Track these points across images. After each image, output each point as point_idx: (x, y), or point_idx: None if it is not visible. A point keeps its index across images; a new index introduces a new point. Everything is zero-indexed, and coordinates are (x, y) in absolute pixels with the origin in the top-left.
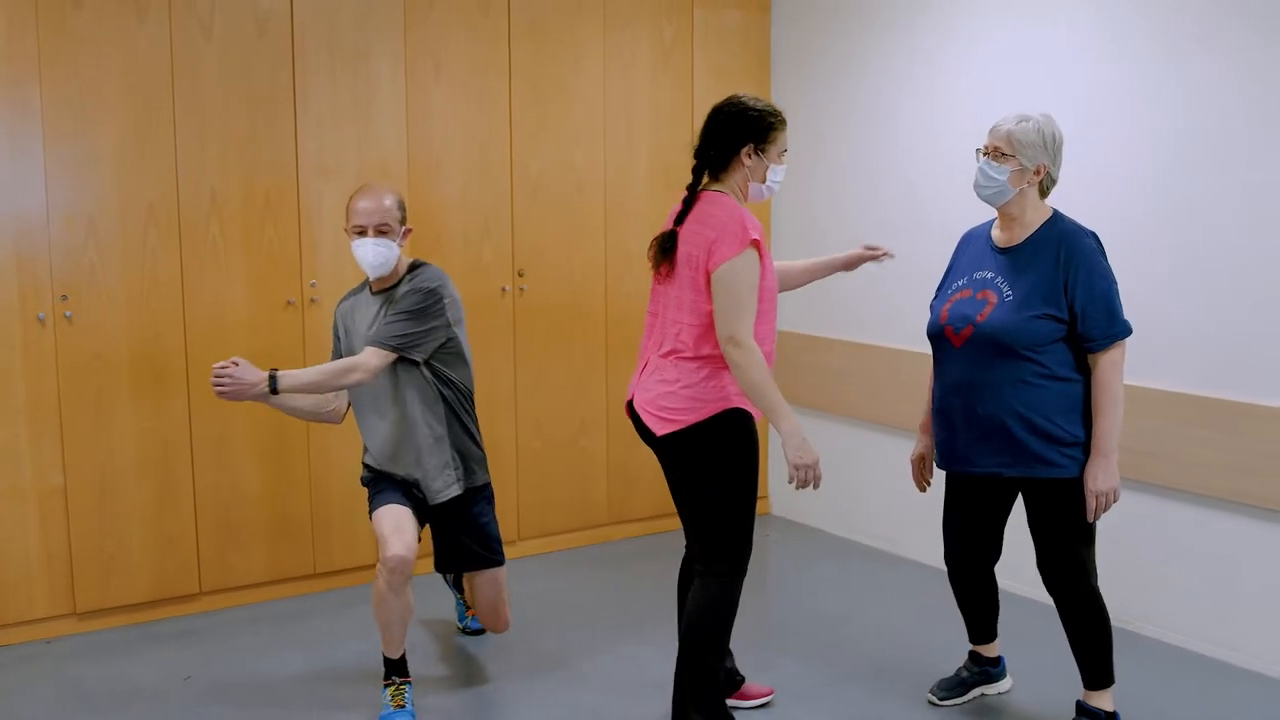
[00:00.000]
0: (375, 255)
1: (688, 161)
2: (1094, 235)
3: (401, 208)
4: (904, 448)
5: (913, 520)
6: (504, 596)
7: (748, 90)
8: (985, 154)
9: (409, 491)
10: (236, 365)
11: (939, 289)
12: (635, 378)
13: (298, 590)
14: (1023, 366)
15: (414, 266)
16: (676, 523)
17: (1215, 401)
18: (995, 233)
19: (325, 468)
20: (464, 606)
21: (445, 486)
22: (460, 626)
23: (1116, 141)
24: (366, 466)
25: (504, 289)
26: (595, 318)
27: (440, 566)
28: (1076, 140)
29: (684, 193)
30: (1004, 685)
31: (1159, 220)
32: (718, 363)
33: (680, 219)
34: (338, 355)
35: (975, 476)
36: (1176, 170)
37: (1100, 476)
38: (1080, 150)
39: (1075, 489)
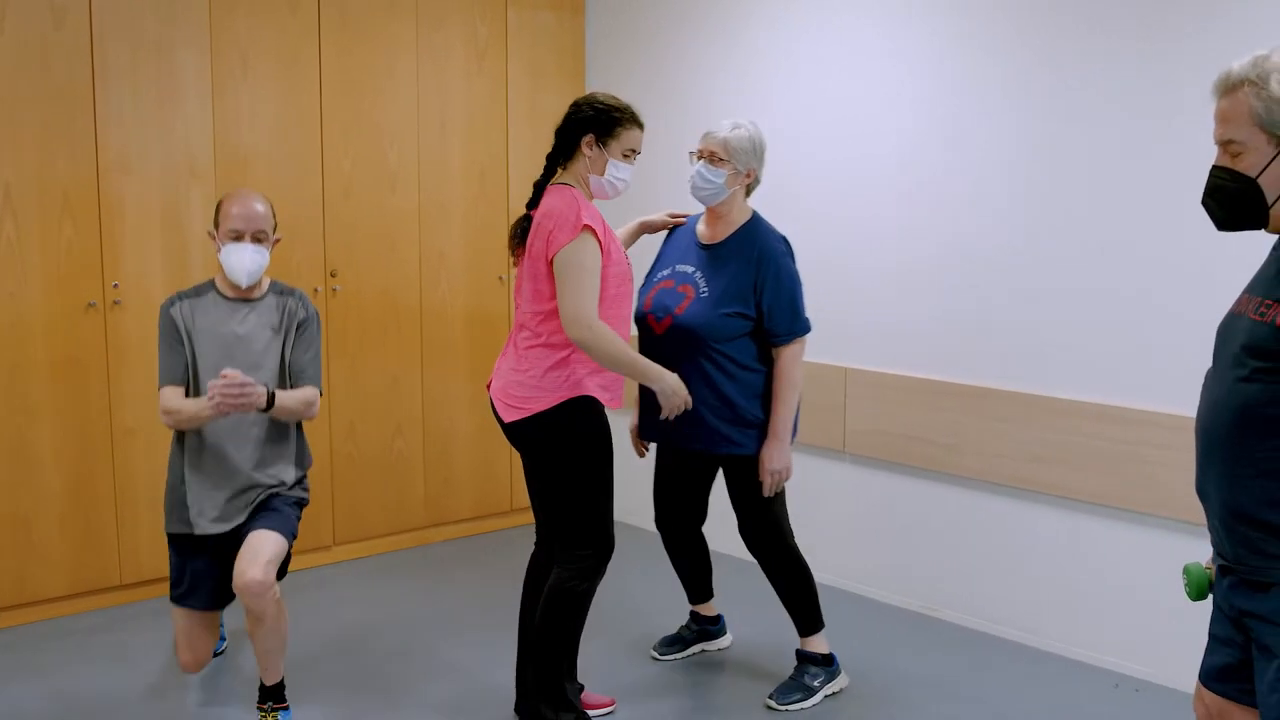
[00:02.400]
0: (254, 263)
1: (502, 161)
2: (784, 240)
3: (274, 214)
4: None
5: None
6: (271, 550)
7: (562, 89)
8: (701, 158)
9: (220, 564)
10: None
11: (647, 275)
12: (497, 362)
13: (103, 603)
14: (713, 357)
15: (278, 285)
16: (495, 524)
17: (1013, 394)
18: (701, 228)
19: (130, 476)
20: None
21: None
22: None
23: (931, 138)
24: (181, 537)
25: (316, 290)
26: (410, 318)
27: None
28: (889, 136)
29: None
30: (724, 641)
31: (974, 219)
32: (564, 349)
33: (530, 208)
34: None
35: (675, 449)
36: (983, 174)
37: (775, 456)
38: (894, 146)
39: (752, 464)
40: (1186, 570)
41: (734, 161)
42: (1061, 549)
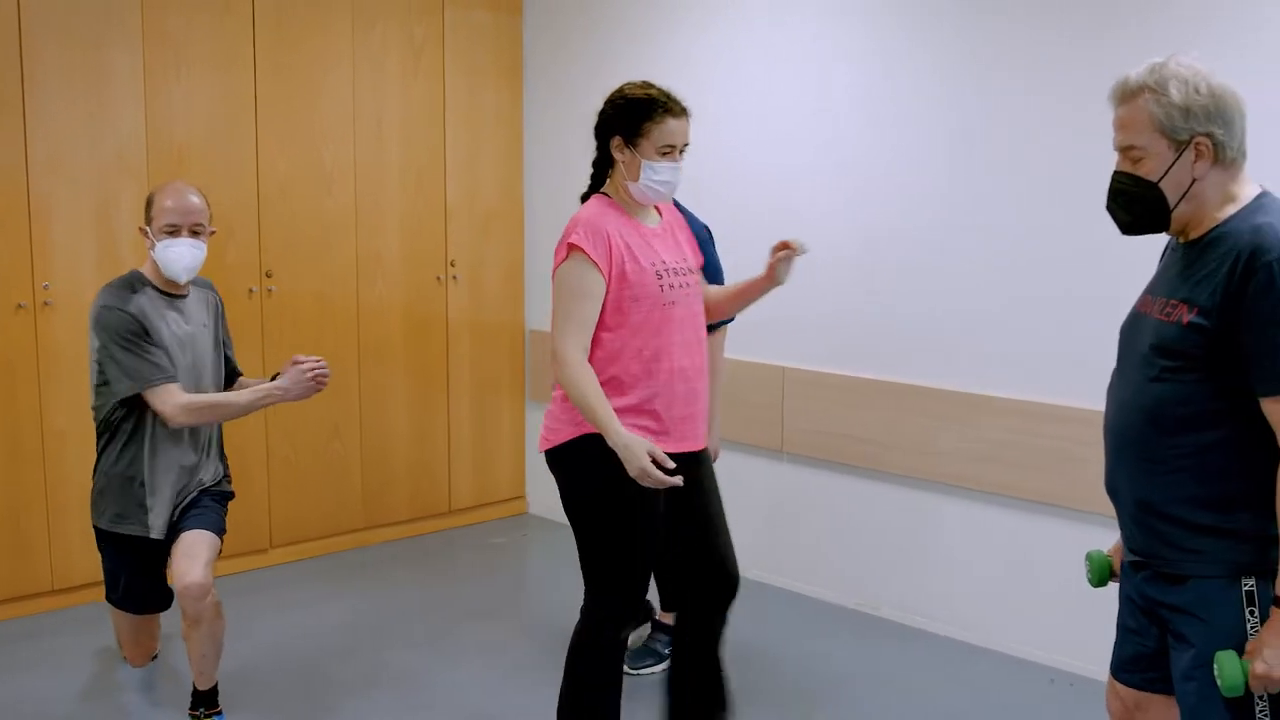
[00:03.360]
0: (193, 258)
1: (439, 161)
2: (706, 228)
3: (208, 205)
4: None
5: None
6: (207, 551)
7: (499, 89)
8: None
9: (160, 566)
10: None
11: None
12: None
13: (34, 609)
14: None
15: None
16: (434, 525)
17: (950, 393)
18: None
19: (61, 479)
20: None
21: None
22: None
23: (864, 137)
24: (124, 539)
25: (251, 290)
26: (347, 319)
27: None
28: (822, 134)
29: None
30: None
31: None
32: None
33: None
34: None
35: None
36: (906, 168)
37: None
38: (827, 145)
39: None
40: (1089, 557)
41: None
42: (997, 546)
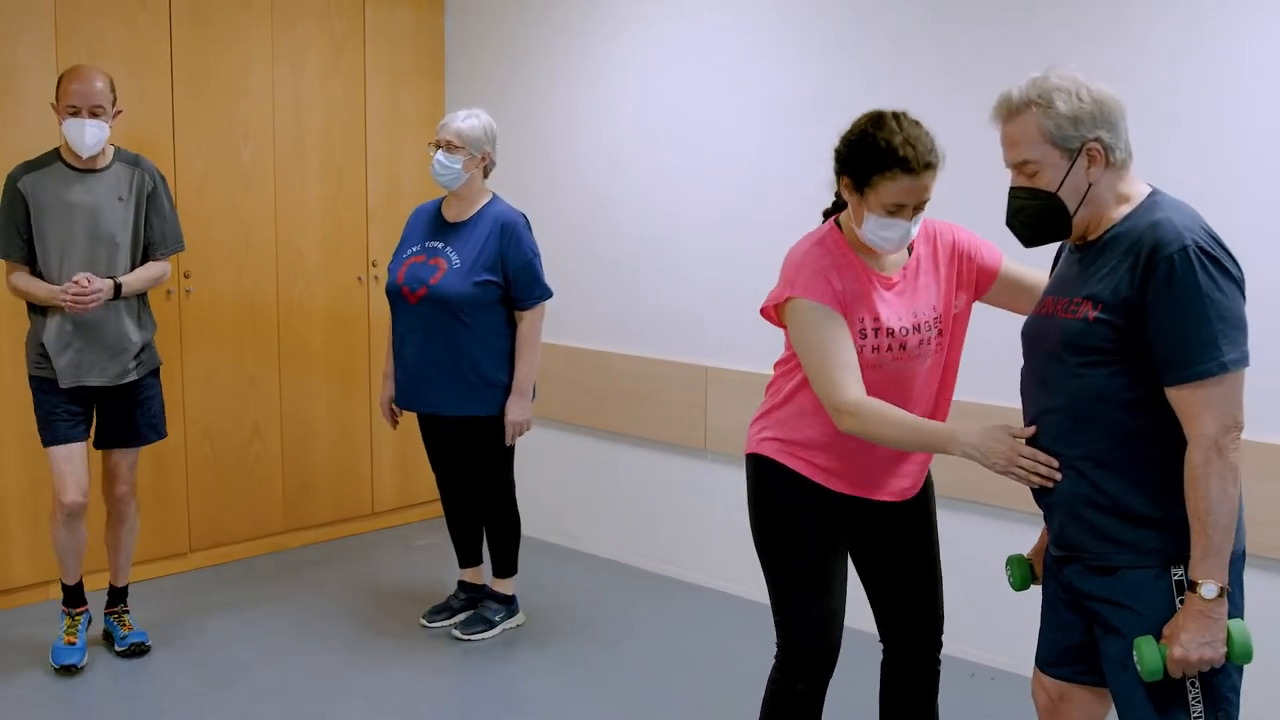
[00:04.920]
0: (93, 136)
1: (360, 160)
2: (524, 216)
3: (113, 89)
4: (591, 447)
5: (592, 514)
6: (132, 474)
7: (421, 87)
8: (439, 147)
9: (77, 406)
10: (89, 280)
11: (396, 253)
12: None
13: None
14: (467, 323)
15: (123, 153)
16: (357, 527)
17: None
18: (445, 209)
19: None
20: (119, 629)
21: (128, 373)
22: (117, 644)
23: (781, 135)
24: (41, 378)
25: (169, 291)
26: (267, 319)
27: (100, 443)
28: (745, 133)
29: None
30: (519, 619)
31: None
32: (772, 394)
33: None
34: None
35: (428, 414)
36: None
37: (516, 410)
38: (749, 142)
39: (499, 423)
40: (1010, 562)
41: (469, 148)
42: None
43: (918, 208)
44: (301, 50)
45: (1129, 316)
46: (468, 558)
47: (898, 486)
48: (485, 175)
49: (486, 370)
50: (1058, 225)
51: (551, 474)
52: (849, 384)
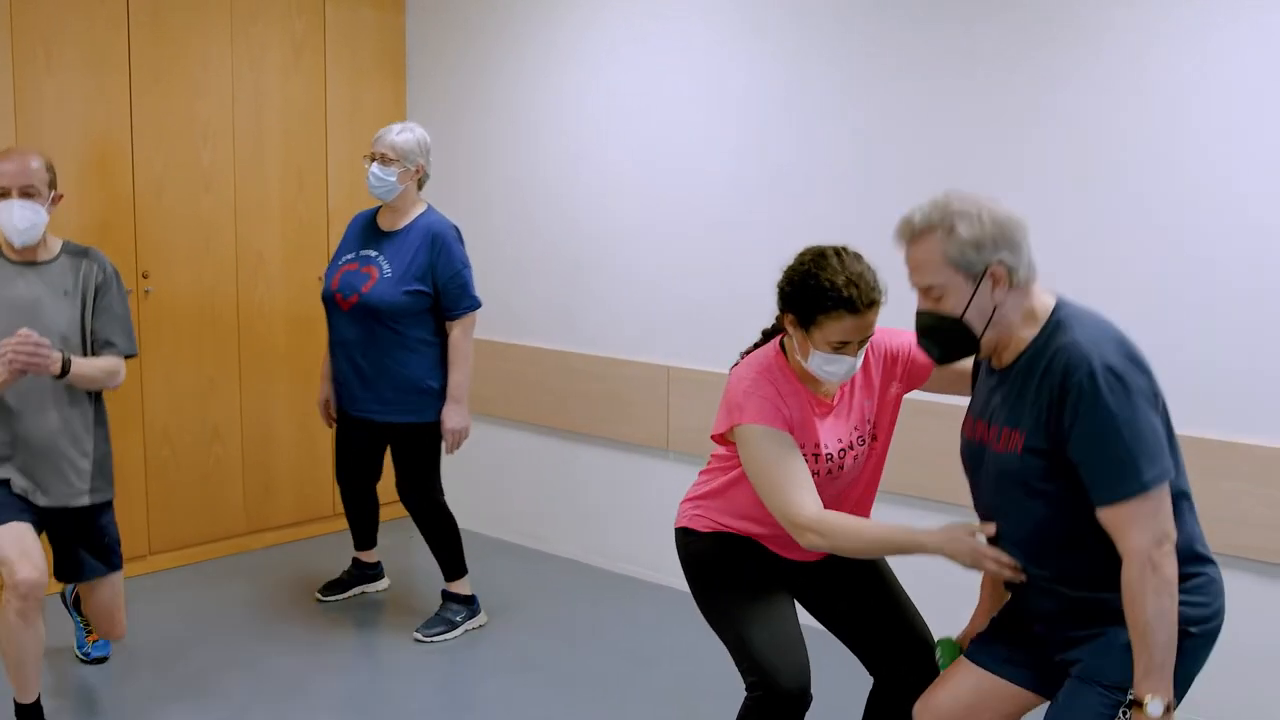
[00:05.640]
0: (25, 220)
1: (321, 160)
2: (455, 227)
3: (50, 170)
4: (553, 447)
5: (555, 515)
6: (120, 602)
7: (382, 87)
8: (374, 159)
9: (23, 501)
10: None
11: (332, 260)
12: None
13: None
14: (396, 331)
15: (71, 245)
16: (318, 529)
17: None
18: (380, 218)
19: None
20: (85, 632)
21: (79, 494)
22: (80, 655)
23: (755, 132)
24: None
25: (128, 291)
26: (227, 320)
27: (59, 576)
28: (711, 130)
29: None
30: (382, 584)
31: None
32: (705, 480)
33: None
34: None
35: (359, 418)
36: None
37: (454, 418)
38: (714, 139)
39: (432, 430)
40: (940, 644)
41: (403, 161)
42: None
43: (863, 341)
44: (261, 49)
45: (1055, 443)
46: (363, 541)
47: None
48: (419, 187)
49: (417, 377)
50: (966, 346)
51: (514, 475)
52: (807, 501)
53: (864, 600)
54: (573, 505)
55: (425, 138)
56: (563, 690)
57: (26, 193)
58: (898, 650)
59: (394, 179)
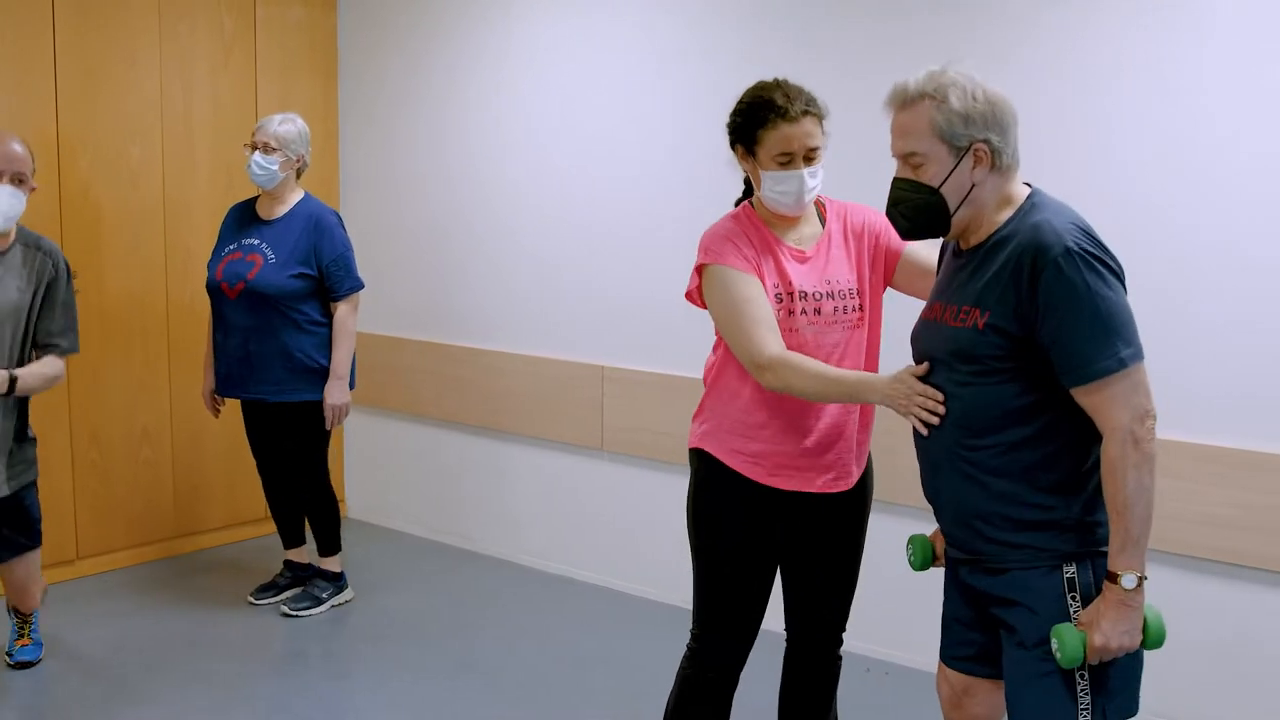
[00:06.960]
0: (10, 206)
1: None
2: (335, 213)
3: (33, 158)
4: (481, 447)
5: (488, 515)
6: (38, 575)
7: (313, 84)
8: (255, 149)
9: None
10: None
11: (214, 251)
12: None
13: None
14: (286, 314)
15: (26, 233)
16: (249, 532)
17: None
18: (259, 207)
19: None
20: (16, 634)
21: (4, 481)
22: (6, 656)
23: (697, 129)
24: None
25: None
26: (156, 318)
27: None
28: (647, 125)
29: None
30: (347, 595)
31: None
32: (707, 383)
33: None
34: None
35: (251, 401)
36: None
37: (335, 394)
38: (649, 136)
39: (318, 407)
40: (911, 541)
41: (284, 150)
42: None
43: (809, 158)
44: (190, 45)
45: (1020, 323)
46: (291, 539)
47: (829, 476)
48: (298, 176)
49: (306, 357)
50: (937, 221)
51: (446, 475)
52: (768, 340)
53: (821, 562)
54: (506, 505)
55: (306, 129)
56: (498, 691)
57: (17, 179)
58: (819, 622)
59: (275, 167)
